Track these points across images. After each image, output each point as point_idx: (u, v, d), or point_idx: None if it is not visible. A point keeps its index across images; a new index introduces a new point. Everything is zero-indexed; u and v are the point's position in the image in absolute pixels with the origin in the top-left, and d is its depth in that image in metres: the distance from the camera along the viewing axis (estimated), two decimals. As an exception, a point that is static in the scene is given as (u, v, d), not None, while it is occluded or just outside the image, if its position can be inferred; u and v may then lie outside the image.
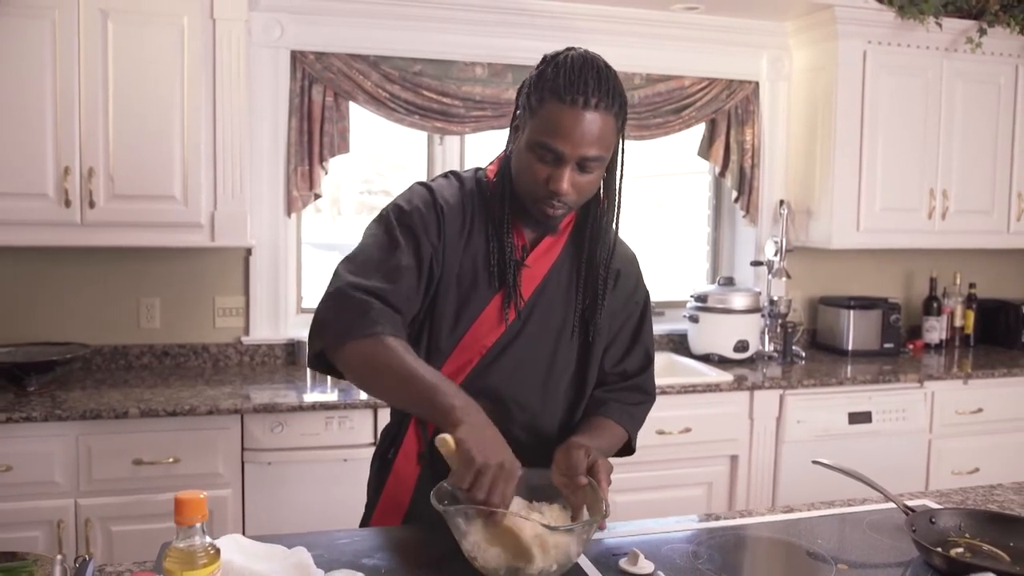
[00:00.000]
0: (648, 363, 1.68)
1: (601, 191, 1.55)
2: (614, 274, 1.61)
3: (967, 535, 1.55)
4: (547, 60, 1.45)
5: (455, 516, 1.24)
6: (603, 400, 1.62)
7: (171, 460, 2.49)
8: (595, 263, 1.56)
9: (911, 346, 3.78)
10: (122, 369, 3.01)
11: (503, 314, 1.51)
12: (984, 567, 1.21)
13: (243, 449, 2.57)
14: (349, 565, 1.29)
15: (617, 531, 1.61)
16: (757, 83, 3.61)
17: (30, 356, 2.68)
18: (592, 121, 1.38)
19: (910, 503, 1.67)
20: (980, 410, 3.33)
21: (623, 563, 1.39)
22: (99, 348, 3.00)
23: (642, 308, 1.68)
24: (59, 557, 0.86)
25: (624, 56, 3.41)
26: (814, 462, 1.74)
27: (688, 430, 2.95)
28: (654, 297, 3.76)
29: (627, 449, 1.69)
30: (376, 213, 1.54)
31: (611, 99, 1.39)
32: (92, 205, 2.65)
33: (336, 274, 1.46)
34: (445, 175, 1.59)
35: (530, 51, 3.29)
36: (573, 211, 1.54)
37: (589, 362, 1.60)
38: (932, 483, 3.24)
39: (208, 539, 1.02)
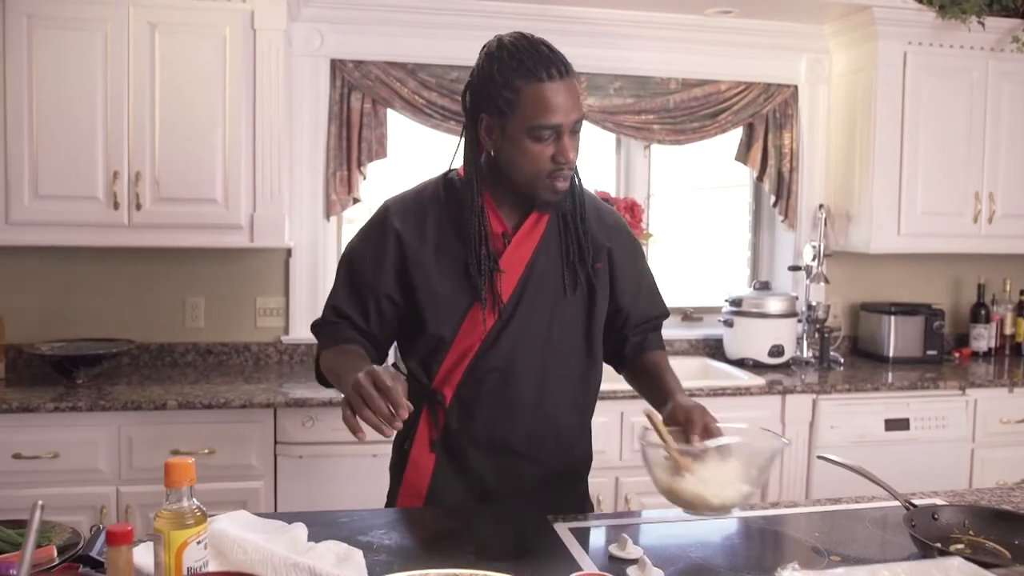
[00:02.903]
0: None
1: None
2: (605, 253, 1.67)
3: (971, 532, 1.53)
4: (488, 56, 1.51)
5: (647, 448, 1.43)
6: (640, 341, 1.77)
7: (207, 451, 2.59)
8: (567, 240, 1.62)
9: (957, 354, 3.69)
10: (167, 366, 3.15)
11: (495, 299, 1.58)
12: (951, 553, 1.20)
13: (276, 442, 2.66)
14: (345, 541, 1.34)
15: (612, 519, 1.63)
16: (796, 87, 3.59)
17: (79, 350, 2.83)
18: (569, 87, 1.47)
19: (920, 502, 1.65)
20: (1027, 419, 3.24)
21: (613, 548, 1.42)
22: (146, 345, 3.14)
23: (644, 259, 1.80)
24: (39, 503, 0.93)
25: (660, 61, 3.44)
26: (819, 457, 1.74)
27: (718, 433, 2.94)
28: (697, 303, 3.77)
29: None
30: None
31: (569, 65, 1.49)
32: (139, 207, 2.79)
33: None
34: (419, 184, 1.69)
35: (565, 56, 3.34)
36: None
37: (593, 328, 1.67)
38: (975, 493, 3.15)
39: (196, 502, 1.09)
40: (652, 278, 1.81)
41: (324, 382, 1.66)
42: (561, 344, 1.63)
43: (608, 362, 1.83)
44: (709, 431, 1.47)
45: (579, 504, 1.73)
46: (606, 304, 1.69)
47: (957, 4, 3.25)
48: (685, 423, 1.49)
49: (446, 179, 1.65)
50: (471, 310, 1.57)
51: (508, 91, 1.46)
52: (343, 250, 1.68)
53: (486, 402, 1.60)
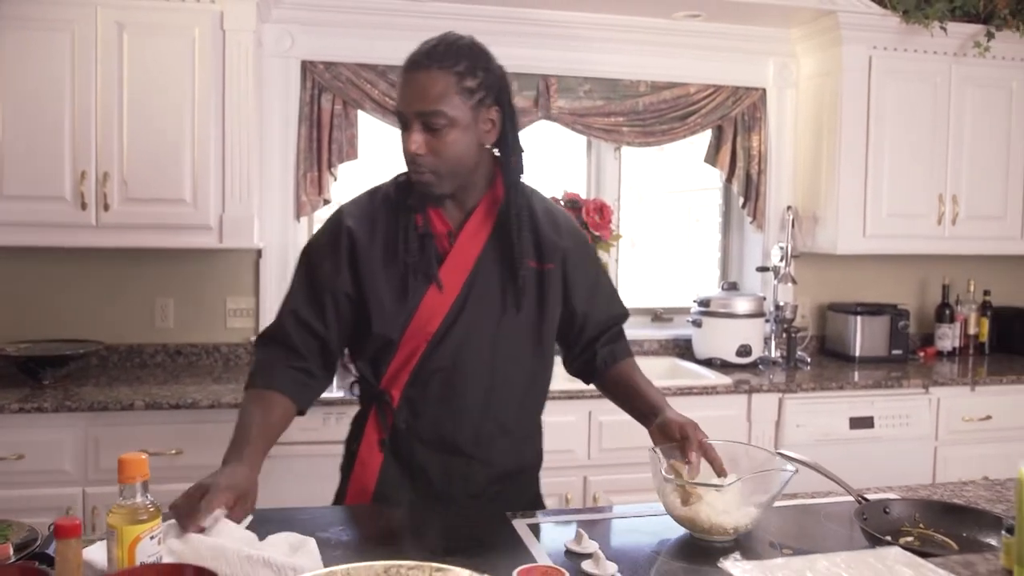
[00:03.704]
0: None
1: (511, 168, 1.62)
2: (560, 255, 1.67)
3: (921, 525, 1.57)
4: None
5: (663, 480, 1.49)
6: (612, 352, 1.78)
7: (174, 452, 2.59)
8: (510, 237, 1.60)
9: (922, 353, 3.75)
10: (137, 367, 3.14)
11: (439, 301, 1.58)
12: (892, 543, 1.23)
13: (244, 442, 2.65)
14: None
15: (571, 515, 1.65)
16: (764, 90, 3.64)
17: (45, 351, 2.81)
18: (424, 79, 1.48)
19: (874, 497, 1.68)
20: (989, 417, 3.29)
21: (568, 543, 1.44)
22: (115, 347, 3.13)
23: (599, 262, 1.82)
24: (-14, 498, 0.94)
25: (629, 64, 3.48)
26: (777, 453, 1.76)
27: (685, 432, 2.97)
28: (671, 304, 3.80)
29: None
30: None
31: (445, 59, 1.48)
32: (107, 208, 2.78)
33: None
34: (373, 186, 1.69)
35: (535, 59, 3.37)
36: (457, 180, 1.56)
37: (542, 330, 1.66)
38: (938, 490, 3.20)
39: (149, 497, 1.10)
40: (609, 280, 1.82)
41: None
42: (509, 345, 1.63)
43: (579, 376, 1.84)
44: (703, 447, 1.52)
45: (530, 505, 1.74)
46: (559, 306, 1.68)
47: (920, 10, 3.31)
48: (681, 439, 1.54)
49: (397, 180, 1.65)
50: (418, 311, 1.57)
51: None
52: (300, 254, 1.67)
53: (433, 402, 1.61)
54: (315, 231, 1.69)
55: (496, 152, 1.63)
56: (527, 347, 1.65)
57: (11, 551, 1.25)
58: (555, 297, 1.67)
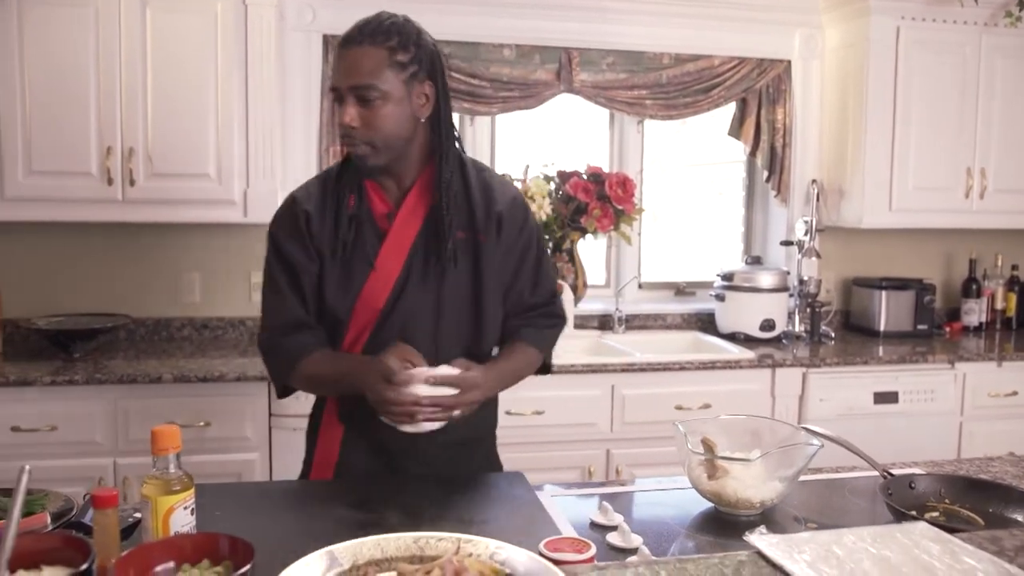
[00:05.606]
0: (555, 291, 1.81)
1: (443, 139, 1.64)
2: (495, 217, 1.68)
3: (946, 500, 1.56)
4: None
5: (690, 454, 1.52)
6: (517, 327, 1.75)
7: (202, 424, 2.63)
8: (439, 208, 1.63)
9: (948, 328, 3.71)
10: (164, 340, 3.18)
11: (381, 281, 1.63)
12: (918, 518, 1.23)
13: (270, 415, 2.69)
14: (336, 510, 1.37)
15: (597, 488, 1.67)
16: (789, 62, 3.59)
17: (76, 325, 2.86)
18: (357, 55, 1.53)
19: (899, 472, 1.68)
20: (1015, 393, 3.26)
21: (594, 515, 1.45)
22: (142, 320, 3.17)
23: (536, 242, 1.76)
24: (25, 467, 0.96)
25: (652, 36, 3.44)
26: (802, 427, 1.76)
27: (708, 406, 2.97)
28: (694, 278, 3.78)
29: (544, 369, 1.85)
30: None
31: (377, 35, 1.54)
32: (132, 183, 2.80)
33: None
34: (320, 173, 1.76)
35: (558, 32, 3.34)
36: (386, 152, 1.59)
37: (482, 300, 1.67)
38: (963, 466, 3.19)
39: (182, 469, 1.12)
40: (541, 263, 1.77)
41: (285, 392, 1.74)
42: (450, 315, 1.66)
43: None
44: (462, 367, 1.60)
45: (482, 468, 1.78)
46: (496, 276, 1.68)
47: (950, -22, 3.24)
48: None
49: (343, 163, 1.68)
50: (362, 292, 1.62)
51: None
52: (268, 243, 1.69)
53: None
54: (272, 224, 1.70)
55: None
56: (466, 316, 1.67)
57: (48, 520, 1.28)
58: (492, 266, 1.67)
